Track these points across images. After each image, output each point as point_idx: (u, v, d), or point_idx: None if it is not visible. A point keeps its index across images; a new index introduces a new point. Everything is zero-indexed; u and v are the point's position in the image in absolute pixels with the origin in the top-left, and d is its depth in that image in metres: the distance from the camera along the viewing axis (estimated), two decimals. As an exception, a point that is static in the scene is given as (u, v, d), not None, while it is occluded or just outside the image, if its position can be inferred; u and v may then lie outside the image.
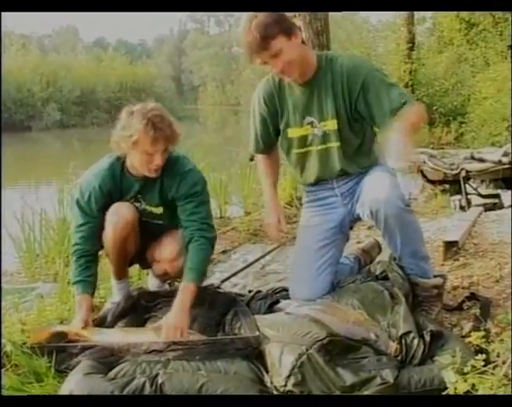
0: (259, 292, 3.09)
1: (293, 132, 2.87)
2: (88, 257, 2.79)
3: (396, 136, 2.38)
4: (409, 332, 2.36)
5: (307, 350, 2.19)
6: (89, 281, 2.77)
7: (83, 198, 2.80)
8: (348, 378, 2.14)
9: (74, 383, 2.18)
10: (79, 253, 2.78)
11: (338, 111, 2.73)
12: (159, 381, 2.17)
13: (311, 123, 2.81)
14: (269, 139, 2.98)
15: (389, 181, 2.66)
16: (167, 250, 2.91)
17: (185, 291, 2.63)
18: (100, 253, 2.98)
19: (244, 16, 2.60)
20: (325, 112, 2.76)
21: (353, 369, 2.18)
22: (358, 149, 2.83)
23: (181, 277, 2.72)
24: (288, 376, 2.16)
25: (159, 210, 2.88)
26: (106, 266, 3.21)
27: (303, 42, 2.70)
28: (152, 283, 3.21)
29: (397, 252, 2.74)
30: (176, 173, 2.80)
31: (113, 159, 2.81)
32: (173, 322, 2.53)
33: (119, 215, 2.79)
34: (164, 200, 2.85)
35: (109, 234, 2.81)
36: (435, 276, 2.83)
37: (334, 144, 2.80)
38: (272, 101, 2.85)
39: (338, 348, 2.26)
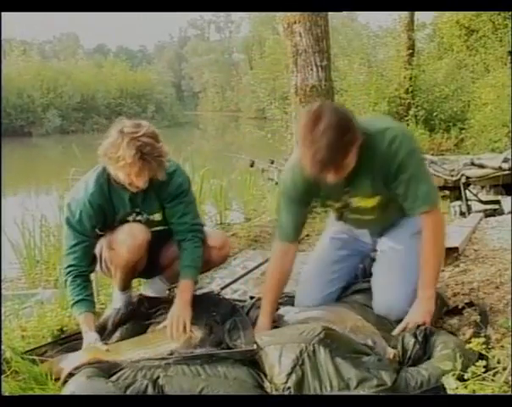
0: (260, 299, 3.08)
1: (330, 203, 2.76)
2: (84, 277, 2.73)
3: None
4: (404, 335, 2.39)
5: (306, 348, 2.19)
6: (90, 300, 2.72)
7: (74, 217, 2.72)
8: (347, 370, 2.13)
9: (75, 386, 2.18)
10: (74, 273, 2.70)
11: (376, 191, 2.57)
12: (159, 384, 2.18)
13: (347, 192, 2.63)
14: (304, 222, 2.76)
15: (399, 286, 2.67)
16: (216, 239, 3.00)
17: (185, 287, 2.76)
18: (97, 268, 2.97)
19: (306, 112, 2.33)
20: (361, 190, 2.58)
21: (353, 363, 2.17)
22: (393, 214, 2.75)
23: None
24: (289, 374, 2.15)
25: (160, 217, 2.88)
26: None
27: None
28: (147, 291, 3.19)
29: None
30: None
31: (98, 173, 2.73)
32: (176, 314, 2.64)
33: (134, 237, 2.75)
34: (162, 204, 2.85)
35: (123, 256, 2.78)
36: None
37: (368, 217, 2.72)
38: (308, 189, 2.59)
39: (337, 342, 2.25)
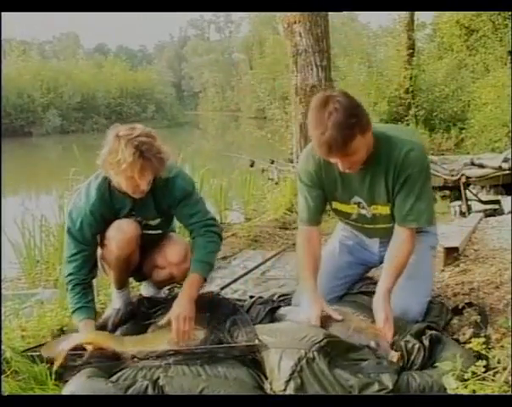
0: (261, 298, 3.09)
1: (338, 206, 2.75)
2: (84, 285, 2.73)
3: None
4: (409, 339, 2.37)
5: (306, 354, 2.19)
6: (90, 307, 2.71)
7: (75, 226, 2.70)
8: (348, 379, 2.14)
9: (76, 385, 2.19)
10: (74, 281, 2.71)
11: (389, 197, 2.59)
12: (160, 384, 2.18)
13: (358, 203, 2.68)
14: (321, 206, 2.75)
15: (415, 294, 2.68)
16: (174, 254, 2.91)
17: (191, 281, 2.69)
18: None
19: (316, 103, 2.35)
20: (376, 197, 2.62)
21: (352, 371, 2.18)
22: None
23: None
24: (288, 381, 2.16)
25: (156, 222, 2.87)
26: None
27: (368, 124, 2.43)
28: (146, 291, 3.20)
29: None
30: (166, 180, 2.72)
31: (100, 181, 2.71)
32: (179, 312, 2.58)
33: (123, 232, 2.74)
34: (161, 211, 2.83)
35: (113, 251, 2.77)
36: None
37: (383, 226, 2.72)
38: (319, 175, 2.64)
39: (337, 349, 2.26)
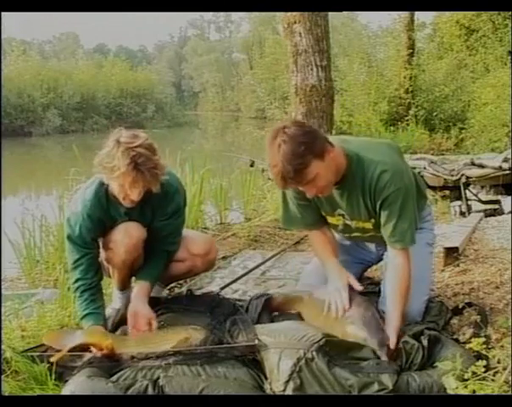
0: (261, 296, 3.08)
1: (325, 216, 2.78)
2: (92, 290, 2.72)
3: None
4: (408, 339, 2.37)
5: (305, 354, 2.19)
6: (97, 313, 2.70)
7: (74, 232, 2.72)
8: (347, 378, 2.14)
9: (76, 385, 2.19)
10: (82, 287, 2.70)
11: (370, 214, 2.61)
12: (160, 384, 2.19)
13: (343, 215, 2.71)
14: (314, 214, 2.77)
15: (414, 295, 2.63)
16: (199, 246, 3.02)
17: (143, 288, 2.82)
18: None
19: (270, 134, 2.38)
20: (356, 213, 2.64)
21: (352, 370, 2.19)
22: None
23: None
24: (287, 381, 2.16)
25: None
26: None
27: (331, 145, 2.44)
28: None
29: None
30: (165, 193, 2.74)
31: (96, 186, 2.71)
32: (140, 313, 2.70)
33: (131, 236, 2.76)
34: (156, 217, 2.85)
35: (120, 255, 2.79)
36: None
37: (371, 234, 2.73)
38: (301, 192, 2.60)
39: (336, 349, 2.26)
